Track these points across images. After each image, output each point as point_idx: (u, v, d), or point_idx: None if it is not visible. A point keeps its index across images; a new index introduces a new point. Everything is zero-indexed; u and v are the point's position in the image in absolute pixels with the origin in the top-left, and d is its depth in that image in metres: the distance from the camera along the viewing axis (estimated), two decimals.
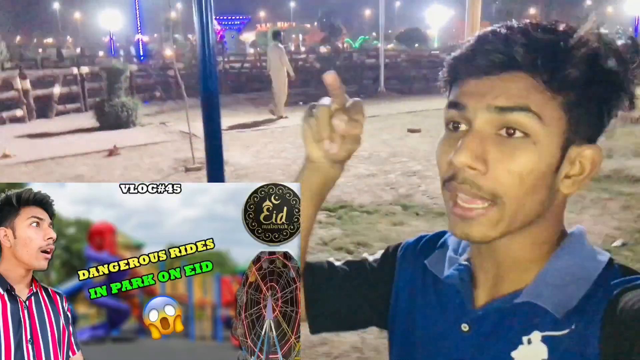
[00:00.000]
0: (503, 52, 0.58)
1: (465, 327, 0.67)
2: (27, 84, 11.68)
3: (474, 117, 0.60)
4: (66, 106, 13.01)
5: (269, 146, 8.93)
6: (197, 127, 10.66)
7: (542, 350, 0.60)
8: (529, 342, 0.61)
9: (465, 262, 0.71)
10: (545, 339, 0.60)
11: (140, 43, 47.05)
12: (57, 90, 12.55)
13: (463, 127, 0.62)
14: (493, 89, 0.59)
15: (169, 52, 23.03)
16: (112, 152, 8.35)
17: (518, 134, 0.58)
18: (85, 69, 13.54)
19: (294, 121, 11.43)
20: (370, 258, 0.84)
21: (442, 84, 0.67)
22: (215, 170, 4.27)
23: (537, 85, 0.58)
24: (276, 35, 11.69)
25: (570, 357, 0.58)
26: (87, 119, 11.81)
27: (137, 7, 48.88)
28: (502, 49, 0.58)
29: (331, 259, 0.86)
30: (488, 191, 0.59)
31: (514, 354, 0.61)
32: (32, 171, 7.53)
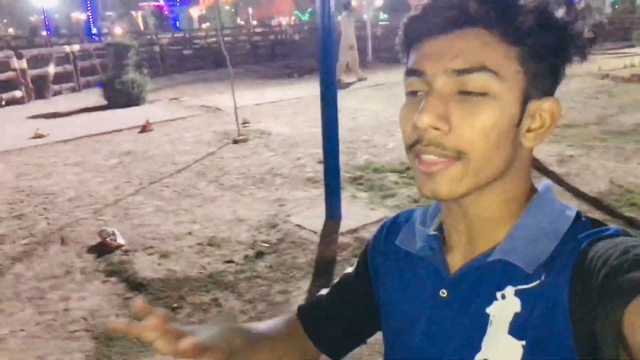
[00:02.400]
0: (456, 8, 0.58)
1: (443, 292, 0.67)
2: (24, 64, 11.29)
3: (433, 81, 0.60)
4: (61, 86, 12.63)
5: (297, 116, 9.13)
6: (213, 100, 10.70)
7: (516, 304, 0.61)
8: (503, 297, 0.62)
9: (434, 232, 0.71)
10: (517, 293, 0.61)
11: (91, 21, 45.09)
12: (51, 69, 12.17)
13: (423, 91, 0.62)
14: (449, 49, 0.59)
15: (119, 30, 22.33)
16: (145, 128, 8.34)
17: (478, 92, 0.58)
18: (76, 47, 13.13)
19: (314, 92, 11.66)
20: (350, 269, 0.86)
21: (399, 48, 0.67)
22: (331, 145, 4.54)
23: (492, 39, 0.58)
24: (347, 5, 12.64)
25: (541, 308, 0.59)
26: (91, 98, 11.59)
27: None
28: (455, 4, 0.58)
29: (321, 292, 0.88)
30: (453, 149, 0.59)
31: (489, 309, 0.62)
32: (75, 149, 7.47)
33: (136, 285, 3.69)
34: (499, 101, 0.58)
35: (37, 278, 3.83)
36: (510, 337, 0.60)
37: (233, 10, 65.99)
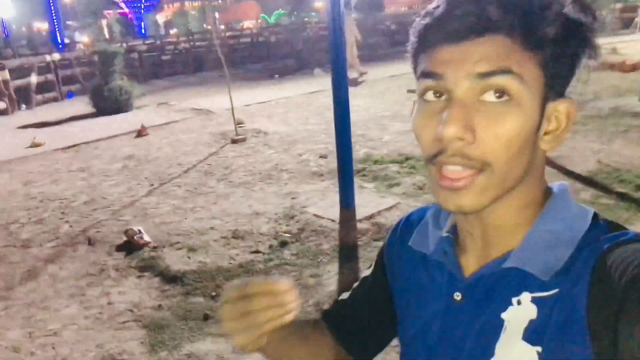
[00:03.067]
0: (477, 15, 0.56)
1: (457, 295, 0.67)
2: (6, 74, 11.20)
3: (454, 87, 0.58)
4: (44, 95, 12.55)
5: (289, 115, 9.34)
6: (201, 103, 10.80)
7: (532, 310, 0.60)
8: (519, 302, 0.61)
9: (447, 234, 0.71)
10: (534, 300, 0.60)
11: (57, 31, 44.24)
12: (34, 79, 12.09)
13: (442, 97, 0.60)
14: (471, 54, 0.57)
15: (85, 39, 22.31)
16: (140, 133, 8.43)
17: (502, 97, 0.57)
18: (57, 56, 13.05)
19: (308, 89, 11.87)
20: (368, 272, 0.86)
21: (410, 53, 0.64)
22: (344, 142, 4.76)
23: (514, 45, 0.56)
24: (346, 3, 12.90)
25: (559, 316, 0.58)
26: (77, 106, 11.57)
27: None
28: (475, 11, 0.56)
29: (342, 295, 0.88)
30: (478, 159, 0.58)
31: (504, 315, 0.62)
32: (75, 156, 7.53)
33: (171, 278, 3.86)
34: (522, 107, 0.57)
35: (73, 277, 3.96)
36: (524, 343, 0.60)
37: (198, 15, 65.69)
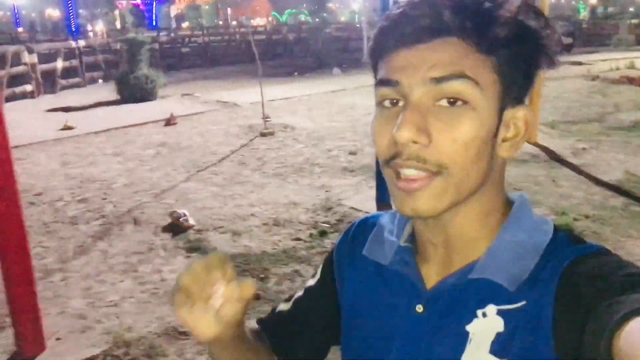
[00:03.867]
0: (431, 17, 0.57)
1: (419, 308, 0.65)
2: (35, 58, 11.38)
3: (409, 92, 0.58)
4: (68, 81, 12.72)
5: (314, 112, 9.48)
6: (225, 96, 10.94)
7: (499, 323, 0.60)
8: (484, 315, 0.61)
9: (406, 244, 0.69)
10: (500, 312, 0.60)
11: (72, 19, 44.46)
12: (59, 64, 12.26)
13: (399, 103, 0.59)
14: (425, 59, 0.57)
15: (98, 28, 22.54)
16: (169, 121, 8.58)
17: (457, 102, 0.57)
18: (82, 43, 13.21)
19: (353, 83, 12.03)
20: (312, 281, 0.82)
21: (369, 58, 0.64)
22: None
23: (468, 49, 0.57)
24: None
25: (524, 327, 0.58)
26: (101, 92, 11.73)
27: None
28: (429, 13, 0.57)
29: (280, 306, 0.83)
30: (434, 163, 0.57)
31: (468, 327, 0.61)
32: (107, 140, 7.69)
33: None
34: (478, 112, 0.57)
35: (123, 254, 4.10)
36: (491, 356, 0.59)
37: (210, 9, 65.91)
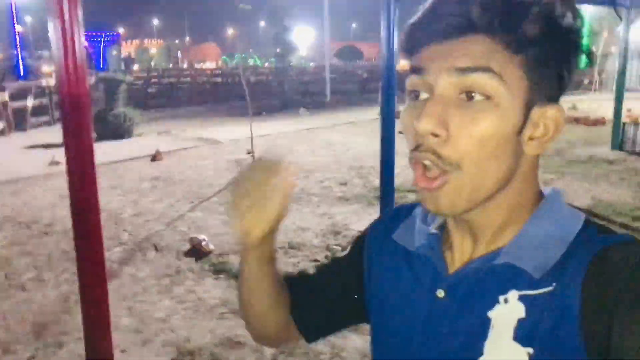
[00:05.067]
0: (459, 15, 0.57)
1: (440, 292, 0.66)
2: (6, 97, 11.29)
3: (435, 82, 0.59)
4: (38, 119, 12.61)
5: (296, 147, 9.88)
6: (203, 133, 11.13)
7: (520, 309, 0.59)
8: (506, 301, 0.61)
9: (435, 231, 0.70)
10: (522, 298, 0.60)
11: (20, 60, 43.54)
12: (30, 102, 12.18)
13: (425, 95, 0.61)
14: (453, 51, 0.58)
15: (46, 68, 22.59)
16: (155, 157, 8.73)
17: (479, 96, 0.57)
18: (52, 81, 13.17)
19: (323, 123, 12.45)
20: (342, 254, 0.84)
21: (403, 54, 0.66)
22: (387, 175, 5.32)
23: (496, 46, 0.57)
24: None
25: (548, 316, 0.58)
26: None
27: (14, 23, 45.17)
28: (457, 11, 0.57)
29: (307, 270, 0.86)
30: (447, 160, 0.58)
31: (490, 313, 0.61)
32: (99, 175, 7.74)
33: None
34: (500, 107, 0.57)
35: (153, 277, 4.27)
36: (515, 343, 0.59)
37: (162, 53, 66.15)
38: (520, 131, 0.59)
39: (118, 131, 10.85)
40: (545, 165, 8.31)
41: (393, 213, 0.80)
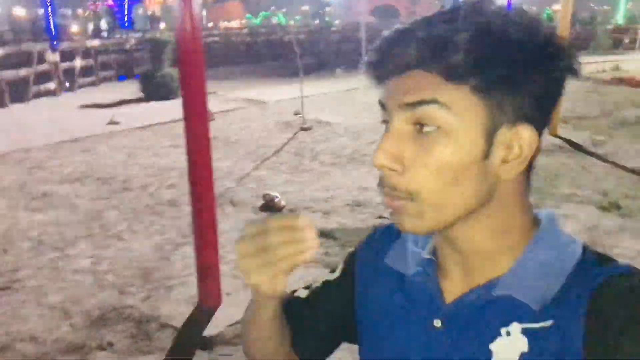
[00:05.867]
0: (399, 54, 0.59)
1: (437, 322, 0.65)
2: (57, 57, 11.61)
3: (390, 117, 0.60)
4: (84, 79, 12.97)
5: (340, 109, 10.05)
6: (249, 94, 11.39)
7: (523, 343, 0.59)
8: (508, 333, 0.60)
9: (429, 256, 0.69)
10: (525, 331, 0.59)
11: (50, 19, 43.85)
12: (78, 63, 12.50)
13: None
14: (401, 87, 0.58)
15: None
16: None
17: (430, 127, 0.57)
18: (96, 42, 13.46)
19: (361, 83, 12.60)
20: (333, 275, 0.82)
21: (373, 84, 0.65)
22: None
23: (437, 78, 0.57)
24: None
25: (551, 350, 0.57)
26: (123, 90, 12.03)
27: None
28: (398, 50, 0.59)
29: (298, 292, 0.83)
30: (403, 190, 0.59)
31: (492, 346, 0.60)
32: (156, 135, 8.08)
33: (322, 233, 4.52)
34: (453, 136, 0.57)
35: (235, 230, 4.58)
36: None
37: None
38: (485, 157, 0.58)
39: (165, 92, 11.10)
40: (593, 126, 8.36)
41: (382, 231, 0.79)
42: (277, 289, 0.64)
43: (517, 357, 0.59)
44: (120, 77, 14.47)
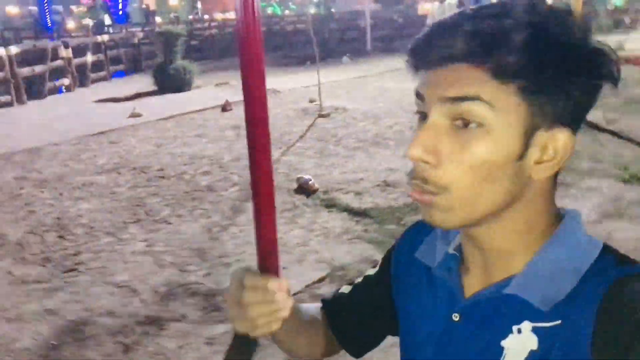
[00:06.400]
0: (447, 45, 0.58)
1: (456, 316, 0.67)
2: (70, 53, 11.76)
3: (429, 109, 0.59)
4: (98, 74, 13.13)
5: (353, 95, 10.23)
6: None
7: (533, 341, 0.60)
8: (519, 331, 0.61)
9: (454, 252, 0.71)
10: (535, 330, 0.60)
11: (47, 15, 43.72)
12: (89, 58, 12.65)
13: (425, 115, 0.61)
14: (443, 80, 0.58)
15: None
16: (225, 107, 9.19)
17: (473, 124, 0.57)
18: (106, 37, 13.59)
19: (370, 70, 12.78)
20: (372, 271, 0.86)
21: (410, 72, 0.65)
22: None
23: (484, 75, 0.56)
24: None
25: (561, 349, 0.58)
26: (134, 84, 12.19)
27: None
28: (446, 41, 0.58)
29: (343, 289, 0.88)
30: (435, 184, 0.58)
31: (504, 342, 0.62)
32: (179, 125, 8.27)
33: (356, 212, 4.74)
34: (493, 135, 0.57)
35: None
36: None
37: (185, 3, 65.67)
38: (520, 157, 0.58)
39: (179, 84, 11.27)
40: (604, 105, 8.54)
41: (417, 228, 0.81)
42: (267, 332, 0.68)
43: (527, 355, 0.60)
44: (125, 73, 14.51)
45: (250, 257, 3.83)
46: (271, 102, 7.90)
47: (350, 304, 0.86)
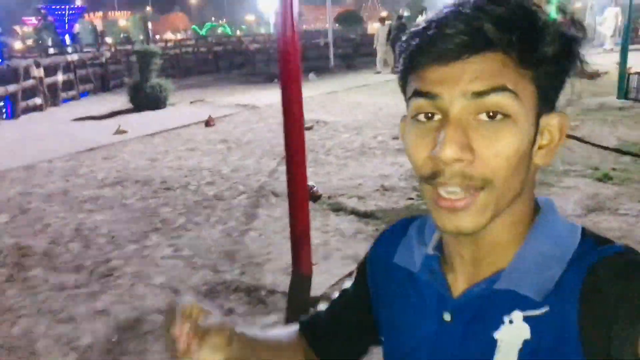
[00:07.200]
0: (470, 33, 0.56)
1: (447, 316, 0.67)
2: (42, 72, 11.67)
3: (449, 106, 0.58)
4: (68, 93, 13.02)
5: (330, 109, 10.61)
6: (238, 100, 11.74)
7: (525, 330, 0.61)
8: (511, 321, 0.62)
9: (433, 252, 0.71)
10: (526, 319, 0.61)
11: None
12: (60, 77, 12.56)
13: (435, 117, 0.59)
14: (465, 73, 0.56)
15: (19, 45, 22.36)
16: (208, 123, 9.39)
17: (500, 115, 0.57)
18: (75, 57, 13.52)
19: (337, 86, 13.13)
20: (348, 284, 0.86)
21: (399, 74, 0.64)
22: None
23: (509, 62, 0.56)
24: (381, 19, 16.77)
25: (549, 335, 0.59)
26: (106, 102, 12.18)
27: None
28: (468, 30, 0.56)
29: (319, 307, 0.88)
30: (479, 178, 0.58)
31: (496, 334, 0.62)
32: (167, 141, 8.40)
33: (363, 214, 5.07)
34: (518, 124, 0.57)
35: (285, 217, 5.05)
36: None
37: (135, 24, 65.08)
38: (533, 143, 0.60)
39: (155, 101, 11.38)
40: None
41: (388, 233, 0.82)
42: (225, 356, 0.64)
43: (520, 344, 0.61)
44: (93, 92, 14.44)
45: (277, 257, 4.10)
46: (252, 117, 8.35)
47: (330, 322, 0.86)
